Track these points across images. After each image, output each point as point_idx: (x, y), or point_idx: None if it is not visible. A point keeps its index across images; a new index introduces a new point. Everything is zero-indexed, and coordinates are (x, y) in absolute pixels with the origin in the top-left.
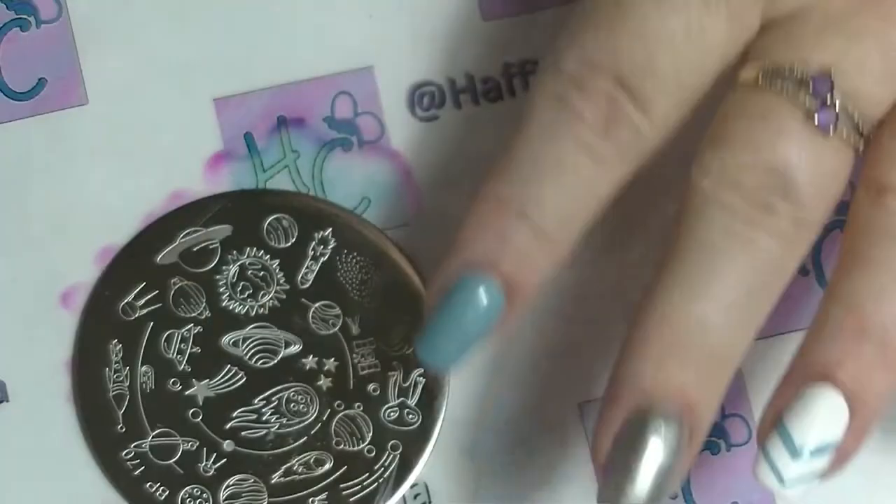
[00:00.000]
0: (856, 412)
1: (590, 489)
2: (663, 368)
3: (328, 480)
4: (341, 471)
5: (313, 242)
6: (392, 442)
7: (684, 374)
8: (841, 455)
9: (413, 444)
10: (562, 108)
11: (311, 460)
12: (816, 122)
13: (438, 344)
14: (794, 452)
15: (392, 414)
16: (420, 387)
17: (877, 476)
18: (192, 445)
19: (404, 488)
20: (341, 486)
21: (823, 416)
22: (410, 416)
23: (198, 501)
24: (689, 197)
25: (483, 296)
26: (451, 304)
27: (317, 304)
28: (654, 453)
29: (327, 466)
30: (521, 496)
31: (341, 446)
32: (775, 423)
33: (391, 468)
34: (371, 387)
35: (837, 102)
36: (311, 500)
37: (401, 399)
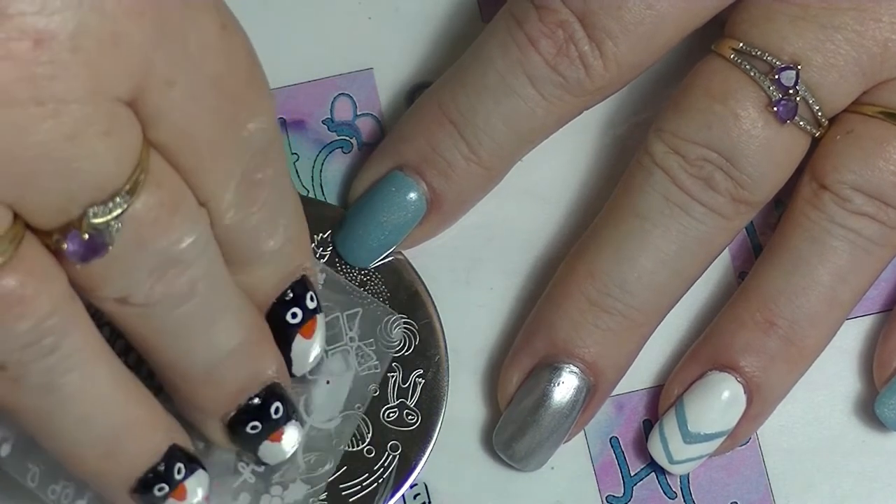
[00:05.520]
0: (753, 401)
1: (590, 489)
2: (579, 327)
3: (328, 480)
4: (341, 471)
5: (313, 244)
6: (391, 442)
7: (598, 334)
8: (733, 440)
9: (412, 445)
10: (518, 31)
11: (311, 460)
12: (775, 111)
13: (357, 235)
14: (687, 436)
15: (392, 414)
16: (419, 387)
17: (876, 477)
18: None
19: (404, 488)
20: (341, 486)
21: (720, 405)
22: (410, 417)
23: None
24: (640, 155)
25: (406, 194)
26: (376, 197)
27: None
28: (555, 406)
29: (327, 466)
30: (520, 496)
31: (341, 447)
32: (675, 401)
33: (391, 468)
34: (371, 387)
35: (800, 94)
36: (311, 500)
37: (400, 400)
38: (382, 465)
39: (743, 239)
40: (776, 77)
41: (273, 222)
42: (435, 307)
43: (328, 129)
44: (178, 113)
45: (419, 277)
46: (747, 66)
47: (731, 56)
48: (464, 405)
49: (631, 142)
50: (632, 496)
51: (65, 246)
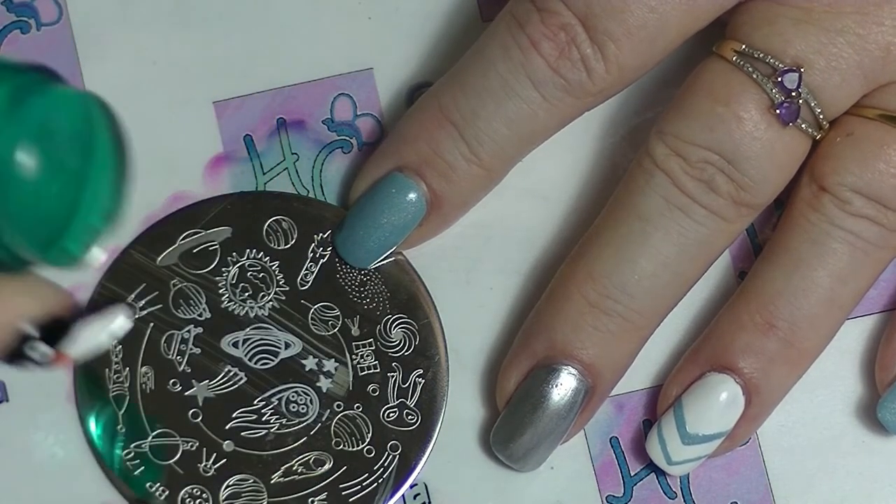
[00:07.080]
0: (751, 402)
1: (590, 489)
2: (578, 329)
3: (328, 480)
4: (341, 471)
5: (313, 244)
6: (391, 442)
7: (597, 336)
8: (731, 441)
9: (412, 445)
10: (520, 33)
11: (311, 460)
12: (778, 114)
13: (357, 236)
14: (685, 437)
15: (391, 414)
16: (419, 387)
17: (876, 477)
18: (192, 446)
19: (404, 488)
20: (341, 486)
21: (719, 406)
22: (410, 417)
23: (198, 501)
24: (641, 156)
25: (407, 195)
26: (376, 198)
27: (316, 306)
28: (552, 407)
29: (327, 466)
30: (520, 496)
31: (341, 447)
32: (674, 402)
33: (391, 468)
34: (370, 387)
35: (802, 97)
36: (310, 500)
37: (400, 400)
38: (382, 465)
39: (743, 239)
40: (779, 79)
41: None
42: (435, 307)
43: (328, 129)
44: None
45: (419, 277)
46: (749, 69)
47: (733, 58)
48: (464, 405)
49: (632, 143)
50: (632, 496)
51: None
